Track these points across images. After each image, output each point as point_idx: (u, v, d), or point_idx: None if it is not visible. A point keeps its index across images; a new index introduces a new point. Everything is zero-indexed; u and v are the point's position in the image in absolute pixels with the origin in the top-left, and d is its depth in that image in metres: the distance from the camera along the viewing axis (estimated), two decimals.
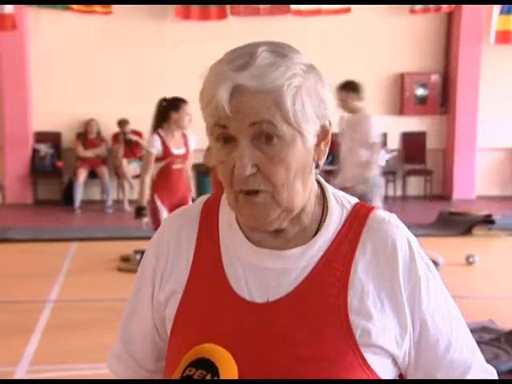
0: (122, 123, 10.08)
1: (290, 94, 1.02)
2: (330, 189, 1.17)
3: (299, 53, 1.07)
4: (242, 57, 1.03)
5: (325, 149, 1.11)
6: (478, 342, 1.18)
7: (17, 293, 5.87)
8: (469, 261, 6.83)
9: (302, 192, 1.08)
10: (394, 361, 1.12)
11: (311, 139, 1.06)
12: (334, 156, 8.63)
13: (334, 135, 1.17)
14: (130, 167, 10.19)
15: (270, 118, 1.01)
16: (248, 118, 1.02)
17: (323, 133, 1.09)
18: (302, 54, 1.07)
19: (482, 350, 1.18)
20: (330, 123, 1.09)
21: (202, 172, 9.86)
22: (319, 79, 1.07)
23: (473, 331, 1.19)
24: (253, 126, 1.02)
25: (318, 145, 1.09)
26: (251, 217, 1.08)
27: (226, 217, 1.17)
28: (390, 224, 1.13)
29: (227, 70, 1.02)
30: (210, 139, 1.08)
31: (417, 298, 1.10)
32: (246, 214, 1.08)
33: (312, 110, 1.04)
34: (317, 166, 1.11)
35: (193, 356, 1.00)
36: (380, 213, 1.15)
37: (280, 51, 1.04)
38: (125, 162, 10.12)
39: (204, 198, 1.24)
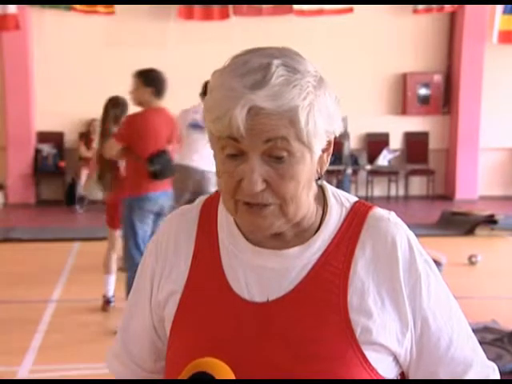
0: None
1: (304, 113, 1.01)
2: (329, 188, 1.17)
3: (307, 63, 1.06)
4: (255, 71, 1.01)
5: (327, 159, 1.11)
6: (481, 343, 1.18)
7: (19, 292, 5.87)
8: (471, 261, 6.83)
9: (306, 202, 1.09)
10: (396, 359, 1.13)
11: (318, 153, 1.07)
12: (335, 157, 8.67)
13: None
14: None
15: (286, 134, 1.01)
16: (263, 136, 1.01)
17: (328, 145, 1.09)
18: (309, 62, 1.06)
19: (484, 351, 1.18)
20: (335, 136, 1.09)
21: None
22: (328, 93, 1.06)
23: (475, 331, 1.19)
24: (267, 142, 1.01)
25: (321, 156, 1.09)
26: (253, 225, 1.07)
27: (225, 216, 1.17)
28: (389, 222, 1.13)
29: (241, 86, 1.00)
30: (215, 148, 1.07)
31: (417, 295, 1.11)
32: (248, 222, 1.08)
33: (322, 127, 1.05)
34: (319, 178, 1.11)
35: (192, 370, 1.00)
36: (379, 211, 1.16)
37: (292, 65, 1.03)
38: None
39: (203, 197, 1.24)
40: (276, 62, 1.02)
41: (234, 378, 1.00)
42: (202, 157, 5.60)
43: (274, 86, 1.00)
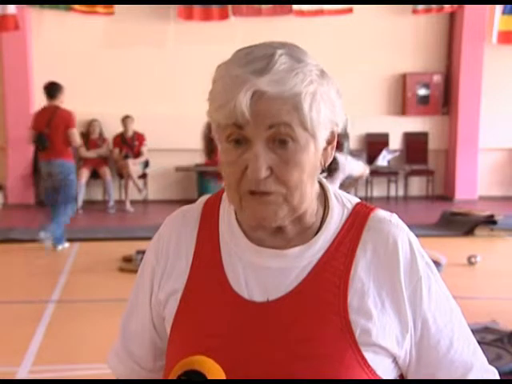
0: (125, 120, 10.03)
1: (308, 100, 1.02)
2: (330, 189, 1.18)
3: (310, 56, 1.07)
4: (259, 60, 1.02)
5: (331, 152, 1.12)
6: (481, 343, 1.18)
7: (19, 293, 5.87)
8: (471, 261, 6.83)
9: (310, 194, 1.09)
10: (395, 361, 1.13)
11: (322, 143, 1.08)
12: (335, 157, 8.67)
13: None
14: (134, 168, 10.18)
15: (289, 120, 1.02)
16: (266, 121, 1.02)
17: (331, 137, 1.10)
18: (311, 56, 1.08)
19: (484, 351, 1.18)
20: (337, 127, 1.10)
21: (205, 172, 9.87)
22: (331, 85, 1.07)
23: (475, 332, 1.19)
24: (270, 128, 1.02)
25: (325, 148, 1.10)
26: (258, 216, 1.07)
27: (226, 216, 1.17)
28: (390, 223, 1.14)
29: (245, 73, 1.01)
30: (219, 138, 1.08)
31: (418, 297, 1.11)
32: (252, 213, 1.07)
33: (326, 116, 1.05)
34: (322, 171, 1.12)
35: (183, 368, 1.00)
36: (381, 212, 1.16)
37: (295, 55, 1.04)
38: (131, 162, 10.09)
39: (205, 197, 1.24)
40: (280, 51, 1.03)
41: (224, 376, 1.00)
42: None
43: (277, 73, 1.01)
